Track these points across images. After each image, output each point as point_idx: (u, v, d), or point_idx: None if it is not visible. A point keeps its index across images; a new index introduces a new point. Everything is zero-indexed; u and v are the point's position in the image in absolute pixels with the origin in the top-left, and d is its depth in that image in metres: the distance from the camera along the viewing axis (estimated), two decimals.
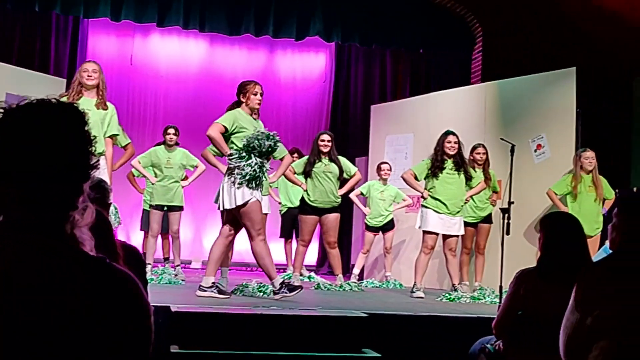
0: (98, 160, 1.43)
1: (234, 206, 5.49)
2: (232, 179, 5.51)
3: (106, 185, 2.55)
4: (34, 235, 1.29)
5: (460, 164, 6.92)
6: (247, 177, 5.44)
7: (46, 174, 1.30)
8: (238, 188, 5.49)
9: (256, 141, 5.47)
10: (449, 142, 6.87)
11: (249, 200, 5.49)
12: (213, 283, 5.60)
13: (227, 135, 5.58)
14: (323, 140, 7.32)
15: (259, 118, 5.83)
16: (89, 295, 1.27)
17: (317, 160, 7.27)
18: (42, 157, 1.30)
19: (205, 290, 5.55)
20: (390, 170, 8.54)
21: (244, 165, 5.45)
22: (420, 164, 7.13)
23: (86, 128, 1.39)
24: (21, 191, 1.29)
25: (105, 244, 1.88)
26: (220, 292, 5.58)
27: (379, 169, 8.54)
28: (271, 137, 5.53)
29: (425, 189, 6.95)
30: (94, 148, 1.41)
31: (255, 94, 5.69)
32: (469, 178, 6.98)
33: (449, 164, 6.88)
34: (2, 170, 1.30)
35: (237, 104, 5.77)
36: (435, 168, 6.86)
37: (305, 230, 7.45)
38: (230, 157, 5.56)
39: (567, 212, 6.76)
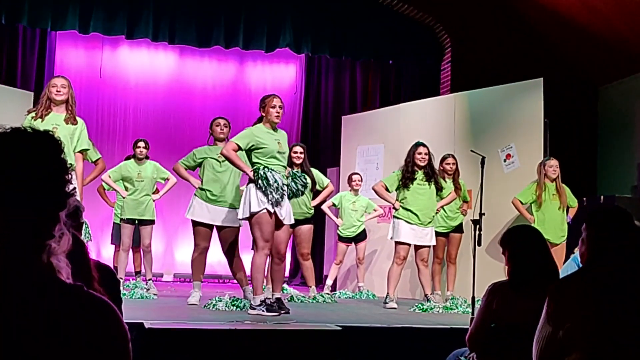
0: (75, 188, 1.42)
1: (247, 215, 5.49)
2: (252, 189, 5.52)
3: (80, 205, 2.54)
4: (9, 265, 1.29)
5: (431, 174, 6.97)
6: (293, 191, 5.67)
7: (21, 203, 1.30)
8: (252, 198, 5.49)
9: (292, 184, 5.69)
10: (420, 153, 6.92)
11: (259, 211, 5.47)
12: (262, 301, 5.55)
13: (247, 152, 5.60)
14: (295, 152, 7.34)
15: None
16: (66, 325, 1.27)
17: None
18: (17, 186, 1.30)
19: (254, 309, 5.52)
20: (361, 180, 8.58)
21: (290, 182, 5.65)
22: (391, 175, 7.17)
23: (62, 156, 1.39)
24: None
25: (80, 267, 1.87)
26: (268, 309, 5.49)
27: (350, 179, 8.58)
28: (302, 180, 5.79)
29: (397, 200, 6.99)
30: (69, 176, 1.41)
31: (274, 107, 5.65)
32: (439, 189, 7.04)
33: (420, 174, 6.93)
34: None
35: (260, 119, 5.78)
36: (406, 179, 6.91)
37: None
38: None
39: (534, 223, 6.89)
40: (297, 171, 5.94)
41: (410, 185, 6.88)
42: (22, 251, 1.30)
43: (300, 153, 7.37)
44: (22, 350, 1.23)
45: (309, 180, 7.13)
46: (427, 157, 6.94)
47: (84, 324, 1.29)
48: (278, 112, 5.65)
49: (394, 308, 6.71)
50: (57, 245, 1.35)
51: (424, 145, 6.98)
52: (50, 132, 1.40)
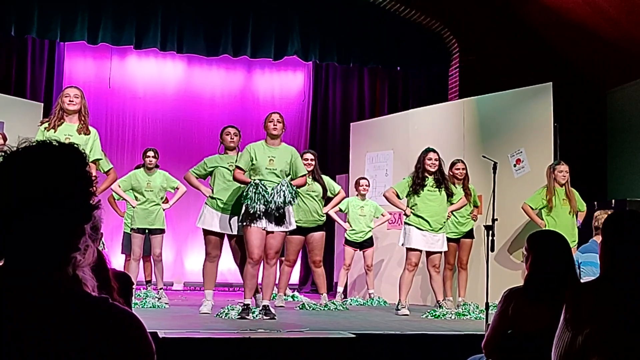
0: (100, 201, 1.43)
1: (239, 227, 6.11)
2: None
3: (99, 218, 2.54)
4: (36, 278, 1.29)
5: (441, 180, 6.96)
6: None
7: (48, 216, 1.30)
8: (242, 212, 6.01)
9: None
10: (430, 159, 6.91)
11: (245, 224, 5.97)
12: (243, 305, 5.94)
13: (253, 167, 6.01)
14: (306, 160, 7.34)
15: (280, 142, 6.13)
16: (91, 338, 1.27)
17: None
18: (43, 199, 1.30)
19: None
20: (369, 185, 8.56)
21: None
22: (401, 181, 7.16)
23: (87, 169, 1.39)
24: (22, 233, 1.29)
25: (101, 278, 1.88)
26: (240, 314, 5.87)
27: (357, 184, 8.55)
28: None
29: (407, 206, 6.98)
30: (94, 188, 1.41)
31: (271, 121, 6.08)
32: (450, 194, 7.02)
33: (430, 181, 6.92)
34: (4, 212, 1.30)
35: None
36: (417, 185, 6.90)
37: (290, 250, 7.45)
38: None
39: (550, 228, 6.83)
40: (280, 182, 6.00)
41: (421, 192, 6.87)
42: (48, 264, 1.30)
43: (311, 160, 7.37)
44: None
45: (317, 188, 7.25)
46: (437, 162, 6.92)
47: (111, 336, 1.29)
48: (275, 126, 6.03)
49: (407, 315, 6.70)
50: (82, 257, 1.35)
51: (434, 151, 6.96)
52: (76, 145, 1.41)
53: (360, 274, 9.04)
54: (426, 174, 6.90)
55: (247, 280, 5.95)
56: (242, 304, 5.94)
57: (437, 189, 6.92)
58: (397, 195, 6.98)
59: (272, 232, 5.91)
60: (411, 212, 6.91)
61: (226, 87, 11.16)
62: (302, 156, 7.43)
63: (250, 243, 5.87)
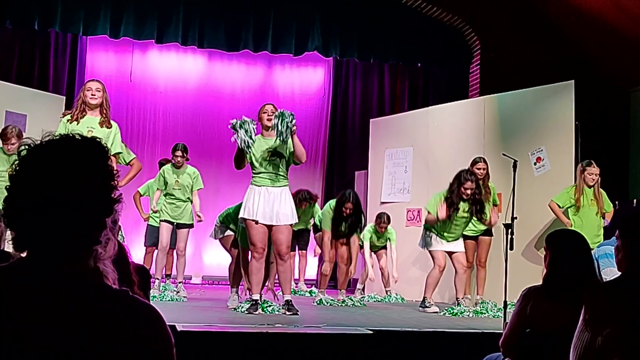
0: (121, 194, 1.44)
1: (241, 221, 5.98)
2: (245, 197, 6.00)
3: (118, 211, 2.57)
4: (58, 270, 1.31)
5: (475, 206, 6.88)
6: None
7: (70, 209, 1.31)
8: (243, 205, 5.95)
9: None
10: (466, 188, 6.76)
11: (246, 218, 5.93)
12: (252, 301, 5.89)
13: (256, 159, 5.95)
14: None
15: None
16: (112, 330, 1.28)
17: None
18: (65, 192, 1.31)
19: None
20: (389, 224, 8.34)
21: None
22: (431, 201, 7.00)
23: (109, 163, 1.41)
24: (45, 226, 1.31)
25: (122, 272, 1.89)
26: (248, 309, 5.81)
27: (379, 219, 8.30)
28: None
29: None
30: (116, 182, 1.43)
31: (265, 113, 6.01)
32: (480, 219, 6.98)
33: (464, 206, 6.85)
34: (27, 205, 1.31)
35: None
36: (450, 209, 6.81)
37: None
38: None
39: (571, 228, 6.78)
40: (283, 111, 5.90)
41: (452, 216, 6.83)
42: (70, 257, 1.32)
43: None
44: (70, 356, 1.24)
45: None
46: (472, 191, 6.79)
47: (131, 328, 1.30)
48: (269, 117, 5.94)
49: (436, 312, 6.70)
50: (103, 250, 1.37)
51: (472, 179, 6.80)
52: (98, 139, 1.42)
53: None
54: (461, 200, 6.84)
55: (253, 275, 5.90)
56: (250, 299, 5.93)
57: (467, 213, 6.89)
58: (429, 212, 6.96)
59: (272, 227, 5.84)
60: (434, 227, 6.94)
61: (246, 82, 11.19)
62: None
63: (251, 236, 5.85)
